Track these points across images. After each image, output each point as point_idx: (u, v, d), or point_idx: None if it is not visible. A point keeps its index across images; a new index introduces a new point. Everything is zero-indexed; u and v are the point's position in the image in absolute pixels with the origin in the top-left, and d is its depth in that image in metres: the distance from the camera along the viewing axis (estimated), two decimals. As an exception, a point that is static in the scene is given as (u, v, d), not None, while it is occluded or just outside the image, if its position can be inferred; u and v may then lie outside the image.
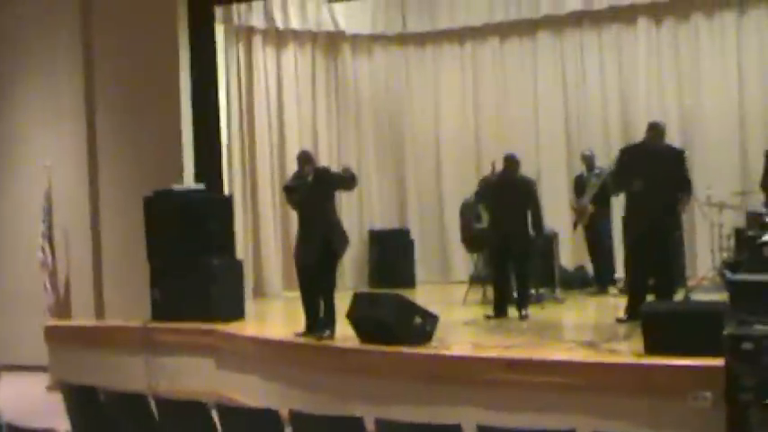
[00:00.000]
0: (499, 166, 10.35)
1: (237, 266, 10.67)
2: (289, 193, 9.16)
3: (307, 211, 9.02)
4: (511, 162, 10.06)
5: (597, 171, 11.60)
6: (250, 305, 11.01)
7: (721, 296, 8.31)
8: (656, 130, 9.12)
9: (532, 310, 9.94)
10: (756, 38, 12.28)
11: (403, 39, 14.06)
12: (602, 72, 13.06)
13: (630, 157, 9.24)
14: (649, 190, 8.85)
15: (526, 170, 10.84)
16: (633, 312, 8.63)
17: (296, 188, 9.05)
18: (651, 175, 8.85)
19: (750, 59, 12.29)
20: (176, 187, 10.54)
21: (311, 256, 8.86)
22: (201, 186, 10.79)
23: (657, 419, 6.58)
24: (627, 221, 9.54)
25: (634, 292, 9.08)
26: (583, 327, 9.75)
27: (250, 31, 12.89)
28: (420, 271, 13.43)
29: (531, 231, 9.95)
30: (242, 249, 12.02)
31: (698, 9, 12.60)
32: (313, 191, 8.89)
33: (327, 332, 8.69)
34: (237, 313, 10.30)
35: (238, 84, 12.74)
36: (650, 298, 8.84)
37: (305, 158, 9.05)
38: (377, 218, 13.82)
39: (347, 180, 8.97)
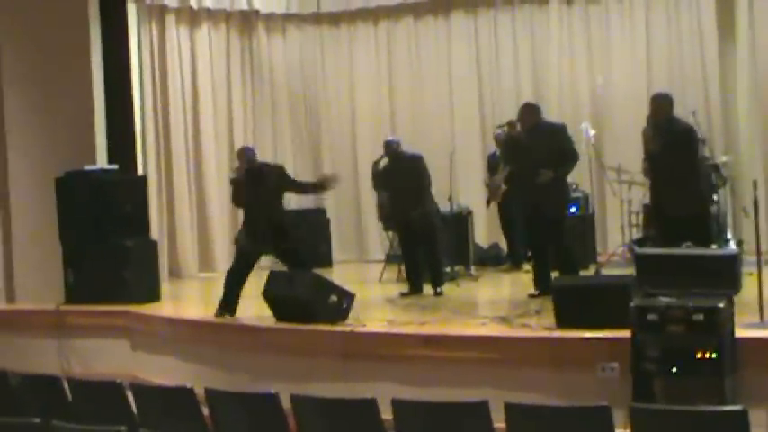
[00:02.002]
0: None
1: (152, 247, 10.57)
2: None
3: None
4: (389, 146, 10.21)
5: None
6: (165, 286, 10.92)
7: (631, 271, 8.50)
8: (524, 112, 9.34)
9: (447, 288, 10.04)
10: (664, 18, 12.54)
11: (317, 18, 14.03)
12: (516, 51, 13.21)
13: (511, 142, 9.48)
14: (531, 171, 9.06)
15: (441, 148, 10.99)
16: (544, 287, 8.82)
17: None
18: (531, 157, 9.07)
19: (658, 39, 12.54)
20: (89, 168, 10.39)
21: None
22: (115, 167, 10.65)
23: (567, 390, 6.73)
24: (519, 201, 9.75)
25: (536, 268, 9.31)
26: (496, 303, 9.90)
27: (163, 9, 12.72)
28: (336, 250, 13.46)
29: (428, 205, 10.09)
30: (157, 230, 11.91)
31: (608, -10, 12.85)
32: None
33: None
34: (152, 295, 10.21)
35: (151, 63, 12.57)
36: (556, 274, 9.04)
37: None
38: (293, 197, 13.76)
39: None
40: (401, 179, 10.05)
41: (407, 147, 10.64)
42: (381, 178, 10.62)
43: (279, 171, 9.35)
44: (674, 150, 8.25)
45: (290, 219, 9.46)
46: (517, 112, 9.58)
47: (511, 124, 9.67)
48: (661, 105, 8.42)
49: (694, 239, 7.49)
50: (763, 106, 11.83)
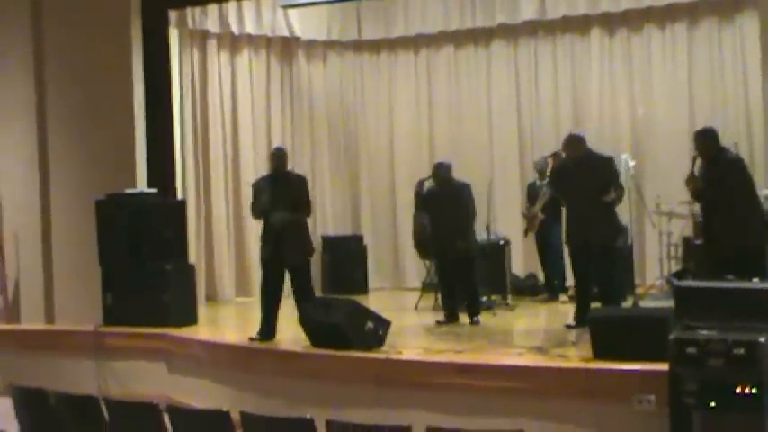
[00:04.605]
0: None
1: (190, 271, 10.61)
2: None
3: None
4: (440, 169, 10.17)
5: (548, 179, 11.69)
6: (202, 310, 10.97)
7: (670, 303, 8.42)
8: (570, 143, 9.27)
9: (484, 317, 10.02)
10: (706, 49, 12.48)
11: (358, 45, 14.13)
12: (556, 81, 13.20)
13: (561, 170, 9.41)
14: (581, 201, 9.01)
15: (480, 178, 10.98)
16: (582, 318, 8.75)
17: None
18: (580, 187, 9.02)
19: (700, 70, 12.49)
20: (129, 191, 10.49)
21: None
22: (154, 190, 10.74)
23: (603, 422, 6.67)
24: (566, 231, 9.68)
25: (579, 298, 9.24)
26: (533, 333, 9.85)
27: (204, 35, 12.87)
28: (373, 277, 13.47)
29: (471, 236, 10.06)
30: (194, 254, 11.99)
31: (650, 20, 12.77)
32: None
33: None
34: (190, 318, 10.25)
35: (192, 88, 12.71)
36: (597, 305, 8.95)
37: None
38: (330, 224, 13.84)
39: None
40: (447, 206, 10.01)
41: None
42: (426, 201, 10.53)
43: (301, 180, 9.37)
44: (724, 182, 8.19)
45: (305, 235, 9.25)
46: (561, 143, 9.50)
47: (555, 155, 9.60)
48: (707, 141, 8.35)
49: (747, 272, 7.37)
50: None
